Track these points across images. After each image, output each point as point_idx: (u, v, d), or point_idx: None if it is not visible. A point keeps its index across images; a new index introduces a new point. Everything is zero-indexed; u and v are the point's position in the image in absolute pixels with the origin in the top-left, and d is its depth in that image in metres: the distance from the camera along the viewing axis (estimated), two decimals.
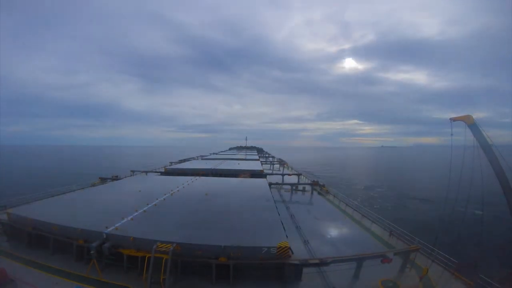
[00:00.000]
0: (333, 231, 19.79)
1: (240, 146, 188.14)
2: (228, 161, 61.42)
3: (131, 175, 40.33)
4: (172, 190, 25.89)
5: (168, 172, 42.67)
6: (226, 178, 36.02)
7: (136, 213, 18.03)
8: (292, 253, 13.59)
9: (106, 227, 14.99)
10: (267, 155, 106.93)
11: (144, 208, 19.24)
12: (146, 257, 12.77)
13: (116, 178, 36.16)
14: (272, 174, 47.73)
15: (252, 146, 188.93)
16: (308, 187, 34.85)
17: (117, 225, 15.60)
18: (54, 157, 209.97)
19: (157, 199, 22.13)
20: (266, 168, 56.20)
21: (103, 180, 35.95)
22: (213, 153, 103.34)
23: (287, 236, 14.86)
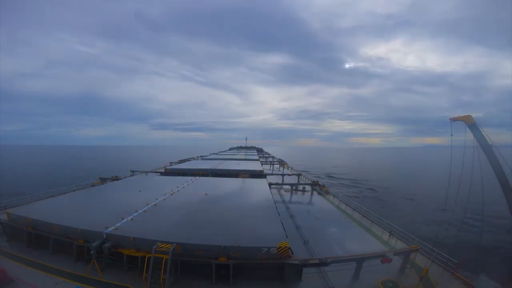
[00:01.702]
0: (333, 231, 19.80)
1: (240, 146, 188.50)
2: (228, 161, 61.44)
3: (131, 175, 40.37)
4: (172, 190, 25.89)
5: (168, 172, 42.67)
6: (226, 178, 36.01)
7: (136, 213, 18.03)
8: (292, 253, 13.60)
9: (106, 227, 14.99)
10: (267, 155, 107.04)
11: (144, 208, 19.24)
12: (146, 257, 12.78)
13: (116, 178, 36.16)
14: (272, 174, 47.75)
15: (252, 146, 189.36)
16: (308, 187, 34.93)
17: (117, 225, 15.60)
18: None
19: (157, 199, 22.14)
20: (266, 168, 56.24)
21: (103, 180, 35.99)
22: (213, 153, 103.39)
23: (287, 236, 14.86)
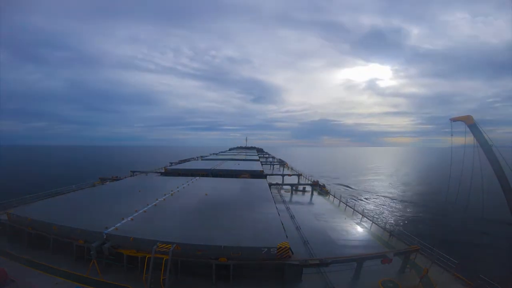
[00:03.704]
0: (333, 232, 19.79)
1: (240, 147, 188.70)
2: (228, 161, 61.45)
3: (131, 175, 40.39)
4: (172, 190, 25.90)
5: (168, 173, 42.69)
6: (226, 178, 36.05)
7: (136, 213, 18.03)
8: (292, 253, 13.59)
9: (106, 227, 14.99)
10: (267, 156, 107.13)
11: (144, 208, 19.24)
12: (146, 257, 12.77)
13: (116, 178, 36.19)
14: (272, 174, 47.78)
15: (252, 147, 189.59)
16: (308, 188, 34.95)
17: (117, 225, 15.60)
18: None
19: (157, 199, 22.14)
20: (266, 168, 56.25)
21: (103, 180, 36.00)
22: (213, 154, 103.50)
23: (287, 236, 14.87)
